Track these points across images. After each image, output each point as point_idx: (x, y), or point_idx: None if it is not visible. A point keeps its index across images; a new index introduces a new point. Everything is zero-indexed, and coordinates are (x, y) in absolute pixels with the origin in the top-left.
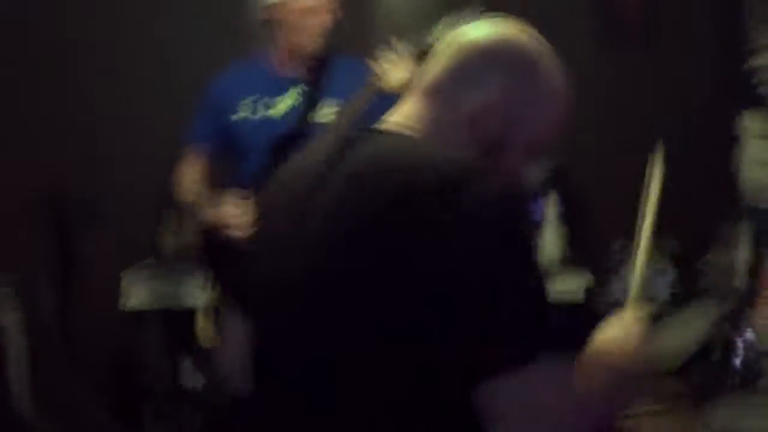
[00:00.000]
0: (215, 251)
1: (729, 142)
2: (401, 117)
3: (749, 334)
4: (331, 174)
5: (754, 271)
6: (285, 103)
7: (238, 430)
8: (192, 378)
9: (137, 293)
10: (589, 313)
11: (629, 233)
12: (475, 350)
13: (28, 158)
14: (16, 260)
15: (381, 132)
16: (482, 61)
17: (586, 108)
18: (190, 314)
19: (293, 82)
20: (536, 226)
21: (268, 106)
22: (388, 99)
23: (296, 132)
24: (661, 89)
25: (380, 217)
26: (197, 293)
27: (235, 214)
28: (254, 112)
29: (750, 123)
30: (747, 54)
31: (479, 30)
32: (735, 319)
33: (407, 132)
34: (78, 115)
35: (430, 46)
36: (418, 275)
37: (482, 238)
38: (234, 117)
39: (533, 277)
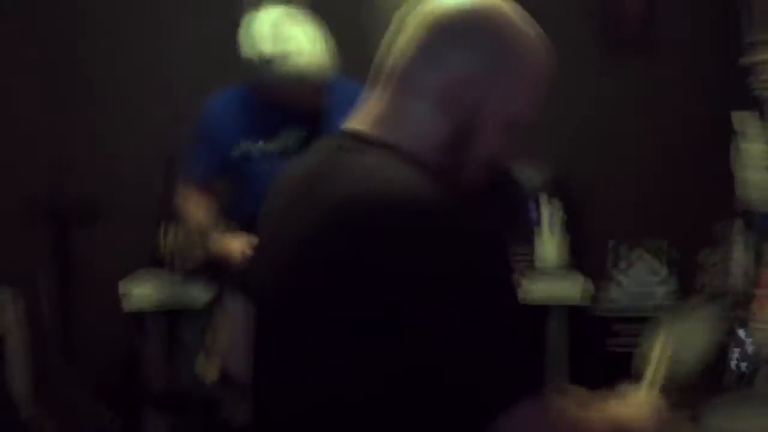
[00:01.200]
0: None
1: (725, 144)
2: (373, 120)
3: (744, 336)
4: (311, 190)
5: (749, 273)
6: (286, 139)
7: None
8: (192, 379)
9: (138, 294)
10: (588, 317)
11: (628, 239)
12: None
13: (30, 159)
14: (17, 260)
15: (356, 145)
16: (444, 37)
17: (586, 113)
18: (190, 314)
19: (293, 120)
20: (535, 230)
21: (268, 142)
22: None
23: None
24: (659, 94)
25: (345, 246)
26: (198, 294)
27: (236, 248)
28: (254, 149)
29: (745, 125)
30: (742, 53)
31: (439, 4)
32: (731, 320)
33: (382, 142)
34: (78, 116)
35: None
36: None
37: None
38: (235, 152)
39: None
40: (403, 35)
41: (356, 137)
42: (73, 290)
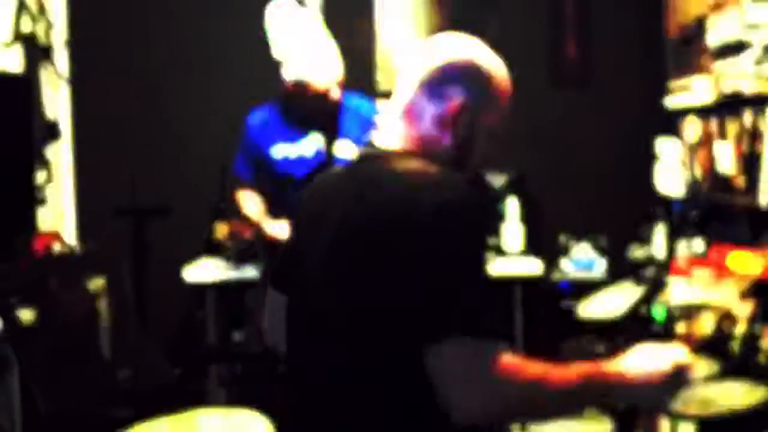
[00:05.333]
0: (268, 243)
1: (649, 160)
2: (392, 140)
3: (662, 308)
4: (340, 192)
5: (666, 261)
6: (311, 144)
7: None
8: (242, 341)
9: (198, 273)
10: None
11: (571, 230)
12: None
13: (115, 169)
14: (106, 246)
15: (385, 155)
16: (443, 76)
17: (540, 132)
18: (239, 288)
19: (314, 128)
20: (500, 223)
21: (298, 147)
22: None
23: (324, 165)
24: (598, 119)
25: (381, 224)
26: (246, 272)
27: (281, 232)
28: (289, 152)
29: (664, 145)
30: (665, 93)
31: (438, 50)
32: (651, 296)
33: (405, 147)
34: (153, 135)
35: None
36: (405, 258)
37: (452, 234)
38: (274, 156)
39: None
40: (410, 76)
41: (387, 151)
42: (148, 271)
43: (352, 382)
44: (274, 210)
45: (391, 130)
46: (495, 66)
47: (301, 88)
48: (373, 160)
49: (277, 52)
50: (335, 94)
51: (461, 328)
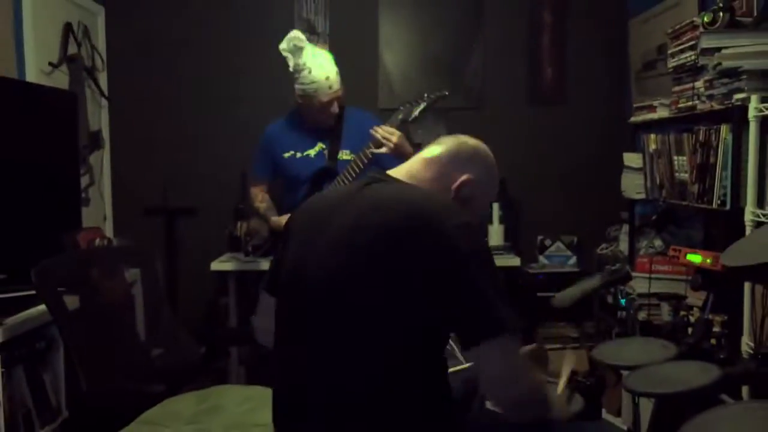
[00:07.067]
0: (276, 237)
1: (615, 169)
2: (411, 171)
3: (626, 300)
4: (351, 202)
5: (630, 258)
6: (314, 150)
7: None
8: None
9: (221, 265)
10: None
11: (547, 229)
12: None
13: (148, 174)
14: (141, 241)
15: (397, 180)
16: (467, 155)
17: (520, 144)
18: (255, 277)
19: (320, 137)
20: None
21: (303, 152)
22: (385, 157)
23: (327, 167)
24: (570, 133)
25: (393, 232)
26: (261, 263)
27: (280, 224)
28: (297, 155)
29: (630, 160)
30: (629, 110)
31: (467, 139)
32: (617, 290)
33: (413, 182)
34: (181, 144)
35: (412, 117)
36: (417, 267)
37: (476, 245)
38: (285, 157)
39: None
40: (440, 146)
41: (397, 180)
42: (177, 262)
43: (353, 376)
44: (286, 206)
45: (409, 171)
46: (491, 158)
47: (308, 101)
48: (382, 182)
49: (292, 72)
50: (335, 109)
51: (492, 332)
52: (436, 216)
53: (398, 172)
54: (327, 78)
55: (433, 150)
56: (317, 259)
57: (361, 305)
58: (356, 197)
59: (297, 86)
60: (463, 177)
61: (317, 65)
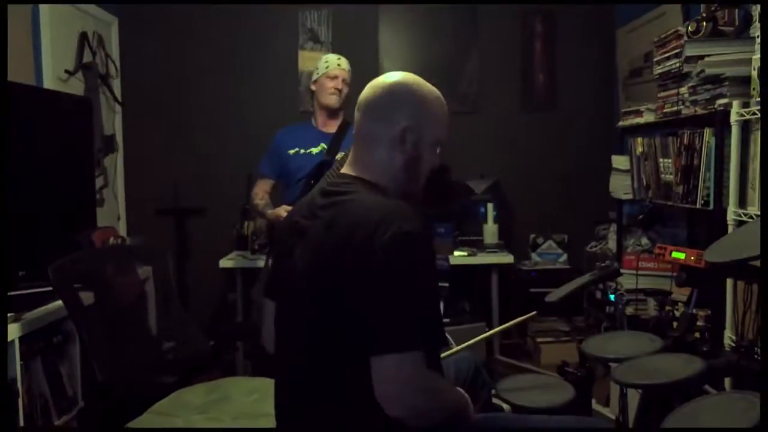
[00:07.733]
0: (272, 232)
1: (604, 171)
2: (357, 160)
3: (615, 295)
4: (316, 220)
5: (618, 255)
6: (318, 148)
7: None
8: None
9: (228, 263)
10: (514, 277)
11: (539, 228)
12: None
13: (160, 177)
14: (153, 239)
15: (352, 184)
16: (388, 104)
17: (514, 147)
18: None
19: (323, 140)
20: (481, 221)
21: (308, 149)
22: None
23: (324, 160)
24: (562, 136)
25: (338, 251)
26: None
27: (284, 213)
28: (300, 151)
29: (617, 159)
30: (617, 115)
31: (379, 82)
32: (606, 286)
33: (365, 175)
34: (192, 149)
35: None
36: (357, 276)
37: (399, 260)
38: (289, 154)
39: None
40: (361, 108)
41: (348, 178)
42: (188, 260)
43: (315, 376)
44: (285, 202)
45: (354, 158)
46: (427, 90)
47: (321, 85)
48: (341, 191)
49: (314, 80)
50: (344, 90)
51: (387, 347)
52: (374, 229)
53: (351, 166)
54: (338, 58)
55: (358, 123)
56: (290, 275)
57: (312, 316)
58: (318, 215)
59: (313, 78)
60: (396, 131)
61: (337, 60)
